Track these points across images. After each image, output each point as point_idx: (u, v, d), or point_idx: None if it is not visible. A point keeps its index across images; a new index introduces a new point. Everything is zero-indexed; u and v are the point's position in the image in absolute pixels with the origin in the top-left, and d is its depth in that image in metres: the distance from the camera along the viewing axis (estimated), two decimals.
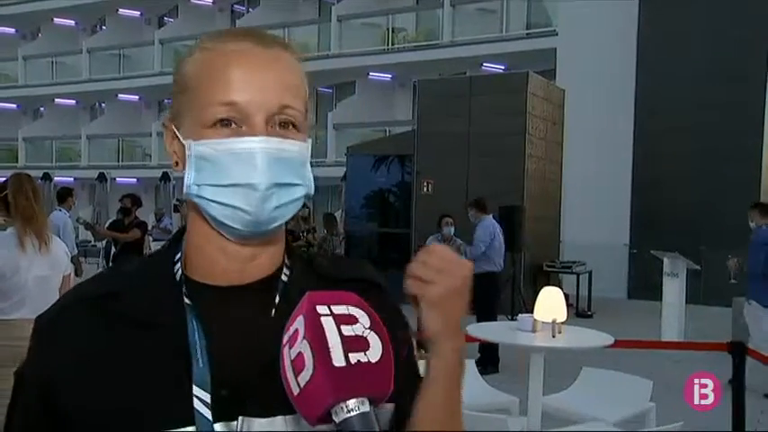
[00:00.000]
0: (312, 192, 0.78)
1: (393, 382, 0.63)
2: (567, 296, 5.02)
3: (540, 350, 3.82)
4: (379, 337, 0.64)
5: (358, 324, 0.64)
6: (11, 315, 3.25)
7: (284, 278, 0.81)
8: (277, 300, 0.78)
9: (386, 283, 0.88)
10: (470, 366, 4.44)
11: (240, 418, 0.72)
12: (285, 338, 0.64)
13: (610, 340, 3.96)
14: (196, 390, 0.72)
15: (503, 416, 3.64)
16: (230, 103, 0.74)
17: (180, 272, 0.79)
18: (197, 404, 0.71)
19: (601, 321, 8.65)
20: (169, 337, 0.74)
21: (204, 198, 0.75)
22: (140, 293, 0.76)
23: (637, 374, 4.18)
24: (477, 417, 3.27)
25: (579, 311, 10.22)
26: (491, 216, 7.37)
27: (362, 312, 0.65)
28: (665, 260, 8.08)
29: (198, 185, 0.75)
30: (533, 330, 3.95)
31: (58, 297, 3.10)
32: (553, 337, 3.85)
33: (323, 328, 0.62)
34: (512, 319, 8.50)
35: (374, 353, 0.63)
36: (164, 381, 0.73)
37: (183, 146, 0.77)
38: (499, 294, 7.34)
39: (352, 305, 0.65)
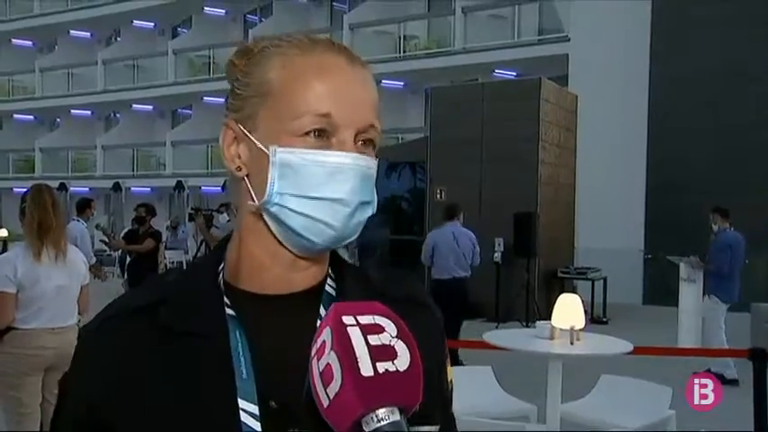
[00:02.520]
0: (374, 211, 0.79)
1: (422, 391, 0.63)
2: (581, 303, 4.98)
3: (558, 358, 3.80)
4: (407, 346, 0.63)
5: (385, 333, 0.63)
6: (29, 324, 3.28)
7: (330, 290, 0.80)
8: (322, 311, 0.77)
9: (437, 307, 0.87)
10: (489, 375, 4.42)
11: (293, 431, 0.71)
12: (313, 350, 0.64)
13: (629, 347, 3.93)
14: (242, 403, 0.71)
15: (521, 424, 3.62)
16: (325, 114, 0.73)
17: (222, 281, 0.78)
18: (244, 417, 0.70)
19: (616, 328, 8.58)
20: (212, 347, 0.73)
21: (286, 208, 0.74)
22: (183, 304, 0.76)
23: (655, 382, 4.14)
24: (495, 424, 3.25)
25: (594, 318, 10.14)
26: (454, 222, 7.13)
27: (389, 321, 0.64)
28: (681, 265, 8.00)
29: (281, 194, 0.73)
30: (551, 338, 3.92)
31: (75, 307, 3.10)
32: (571, 344, 3.82)
33: (350, 339, 0.62)
34: (527, 326, 8.50)
35: (402, 361, 0.62)
36: (206, 392, 0.72)
37: (252, 151, 0.76)
38: (452, 303, 6.68)
39: (378, 314, 0.65)
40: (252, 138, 0.76)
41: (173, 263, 12.72)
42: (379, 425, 0.60)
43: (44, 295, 3.29)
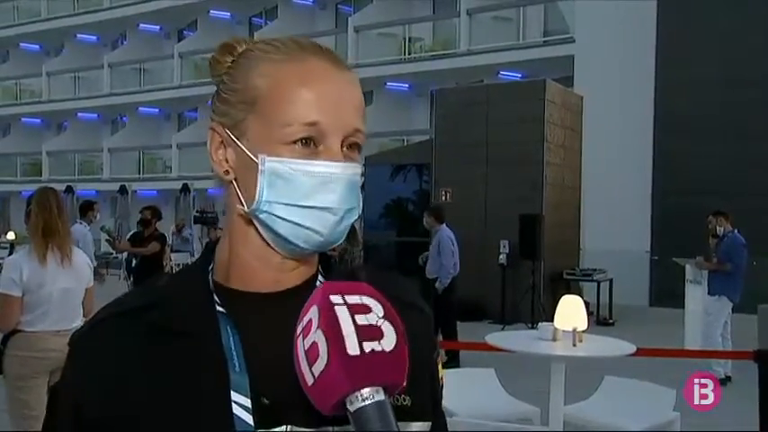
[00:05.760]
0: (360, 214, 0.80)
1: (407, 372, 0.63)
2: (587, 304, 4.99)
3: (560, 359, 3.79)
4: (393, 327, 0.64)
5: (372, 313, 0.63)
6: (35, 327, 3.31)
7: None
8: None
9: (425, 305, 0.88)
10: (492, 377, 4.42)
11: (287, 426, 0.71)
12: (299, 329, 0.64)
13: (631, 349, 3.92)
14: (235, 395, 0.72)
15: (524, 426, 3.61)
16: (313, 123, 0.74)
17: (212, 281, 0.80)
18: (236, 410, 0.71)
19: (622, 330, 8.56)
20: (204, 344, 0.74)
21: (274, 215, 0.75)
22: (174, 304, 0.77)
23: (660, 384, 4.13)
24: (498, 427, 3.25)
25: (600, 320, 10.12)
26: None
27: (376, 302, 0.65)
28: (688, 267, 7.98)
29: (270, 202, 0.75)
30: (553, 339, 3.91)
31: (80, 309, 3.12)
32: (573, 345, 3.81)
33: (337, 318, 0.62)
34: (533, 328, 8.50)
35: (388, 342, 0.62)
36: (199, 388, 0.73)
37: (239, 156, 0.76)
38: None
39: (366, 295, 0.65)
40: (240, 144, 0.76)
41: (179, 265, 12.75)
42: (363, 404, 0.60)
43: (49, 298, 3.31)
